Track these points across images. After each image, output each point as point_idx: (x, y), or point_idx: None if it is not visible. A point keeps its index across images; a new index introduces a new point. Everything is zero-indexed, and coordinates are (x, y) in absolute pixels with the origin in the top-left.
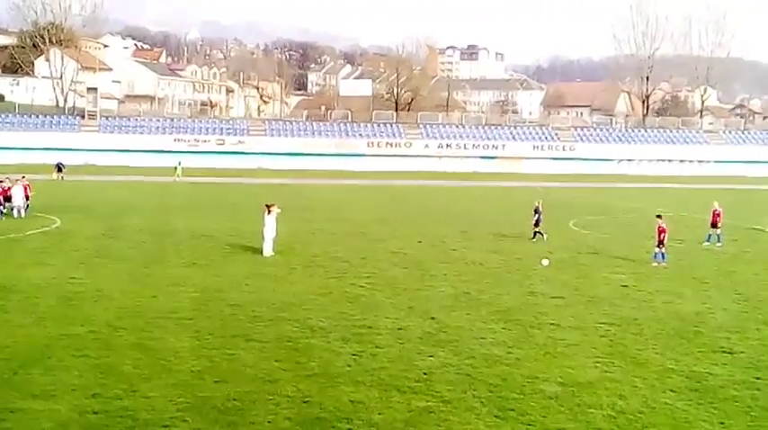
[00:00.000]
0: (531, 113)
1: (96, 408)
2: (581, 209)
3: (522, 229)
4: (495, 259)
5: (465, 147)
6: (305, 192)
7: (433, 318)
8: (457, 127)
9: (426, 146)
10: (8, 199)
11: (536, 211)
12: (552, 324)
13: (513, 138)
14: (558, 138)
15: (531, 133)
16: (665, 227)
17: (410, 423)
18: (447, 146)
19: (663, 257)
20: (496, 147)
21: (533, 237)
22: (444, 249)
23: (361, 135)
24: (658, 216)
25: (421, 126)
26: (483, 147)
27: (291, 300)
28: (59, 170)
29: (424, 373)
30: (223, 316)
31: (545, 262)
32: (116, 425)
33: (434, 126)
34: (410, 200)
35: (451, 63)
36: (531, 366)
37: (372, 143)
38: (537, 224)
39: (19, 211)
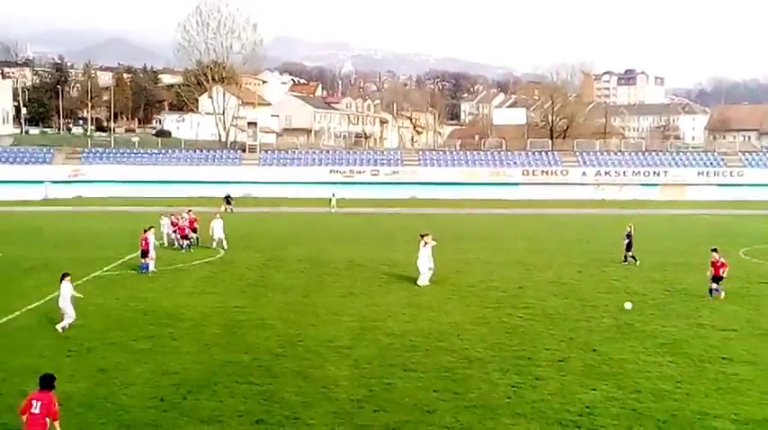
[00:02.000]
0: (694, 138)
1: None
2: (752, 237)
3: (688, 258)
4: (659, 289)
5: (624, 175)
6: (459, 222)
7: (594, 350)
8: (615, 154)
9: (584, 173)
10: (185, 236)
11: (628, 236)
12: (724, 358)
13: (676, 164)
14: (725, 164)
15: (694, 159)
16: (722, 261)
17: None
18: (605, 173)
19: (716, 291)
20: (658, 174)
21: (624, 261)
22: (605, 279)
23: (515, 163)
24: (714, 250)
25: (577, 153)
26: (643, 174)
27: (448, 330)
28: (228, 202)
29: (587, 407)
30: (380, 345)
31: (628, 305)
32: None
33: (592, 153)
34: (568, 229)
35: (608, 89)
36: (702, 402)
37: (527, 171)
38: (628, 248)
39: (220, 243)
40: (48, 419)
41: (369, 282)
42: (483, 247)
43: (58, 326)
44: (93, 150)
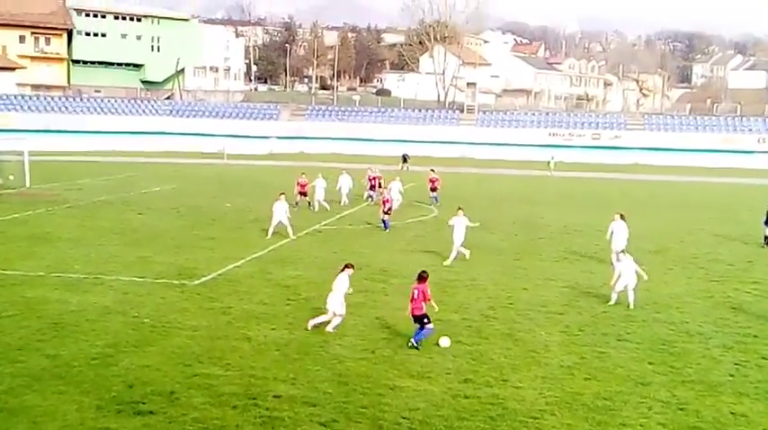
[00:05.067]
0: None
1: (468, 393)
2: None
3: None
4: None
5: None
6: (685, 190)
7: None
8: None
9: None
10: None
11: None
12: None
13: None
14: None
15: None
16: None
17: None
18: None
19: None
20: None
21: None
22: None
23: (750, 130)
24: None
25: None
26: None
27: (667, 302)
28: (404, 161)
29: None
30: (594, 312)
31: (444, 342)
32: (486, 412)
33: None
34: None
35: None
36: None
37: (764, 139)
38: None
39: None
40: (423, 303)
41: (584, 248)
42: (710, 217)
43: (330, 328)
44: (316, 108)
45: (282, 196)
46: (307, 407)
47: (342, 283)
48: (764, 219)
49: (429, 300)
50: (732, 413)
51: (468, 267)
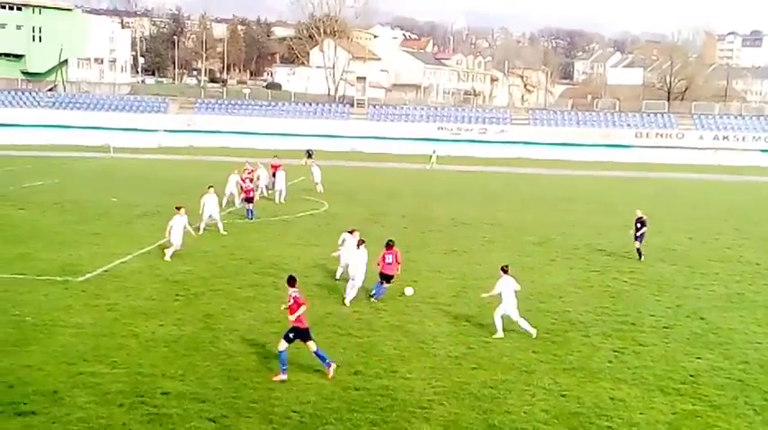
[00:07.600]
0: None
1: (358, 385)
2: None
3: None
4: None
5: (744, 140)
6: (567, 183)
7: (702, 319)
8: (735, 118)
9: (700, 137)
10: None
11: (639, 223)
12: None
13: None
14: None
15: None
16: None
17: (674, 425)
18: (723, 138)
19: None
20: None
21: (639, 257)
22: (717, 247)
23: (628, 125)
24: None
25: (695, 116)
26: (764, 139)
27: (550, 292)
28: (309, 156)
29: (691, 375)
30: (481, 303)
31: (408, 291)
32: (376, 403)
33: (710, 117)
34: (681, 194)
35: (732, 50)
36: None
37: (641, 134)
38: (639, 239)
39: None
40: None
41: (471, 241)
42: (591, 209)
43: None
44: (205, 101)
45: (212, 189)
46: (196, 404)
47: (362, 256)
48: (633, 231)
49: (400, 263)
50: (611, 398)
51: None
